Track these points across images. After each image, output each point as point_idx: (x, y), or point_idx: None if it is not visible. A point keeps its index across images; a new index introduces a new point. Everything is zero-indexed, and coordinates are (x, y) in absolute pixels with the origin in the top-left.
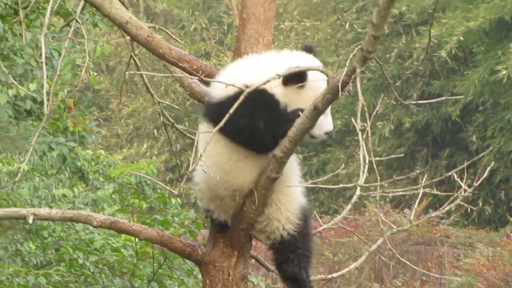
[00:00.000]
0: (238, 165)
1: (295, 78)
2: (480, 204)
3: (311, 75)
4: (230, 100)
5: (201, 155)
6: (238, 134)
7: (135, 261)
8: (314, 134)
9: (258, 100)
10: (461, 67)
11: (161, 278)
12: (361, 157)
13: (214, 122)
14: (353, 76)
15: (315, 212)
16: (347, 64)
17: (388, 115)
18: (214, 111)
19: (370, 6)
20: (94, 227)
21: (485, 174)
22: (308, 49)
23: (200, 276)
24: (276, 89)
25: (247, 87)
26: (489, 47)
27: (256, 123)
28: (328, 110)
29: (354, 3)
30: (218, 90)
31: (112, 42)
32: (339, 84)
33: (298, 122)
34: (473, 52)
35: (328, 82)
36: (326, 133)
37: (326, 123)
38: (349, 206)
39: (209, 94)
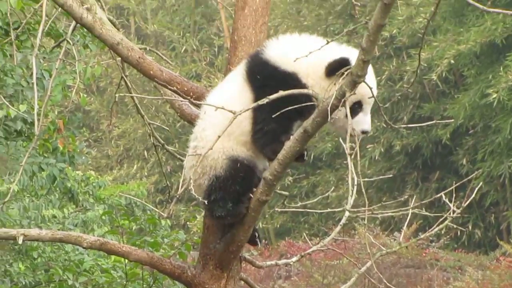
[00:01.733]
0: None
1: (342, 67)
2: (470, 228)
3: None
4: (280, 81)
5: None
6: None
7: (125, 283)
8: (355, 134)
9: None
10: (451, 90)
11: None
12: (349, 180)
13: (255, 87)
14: (342, 100)
15: (304, 234)
16: (336, 88)
17: (379, 138)
18: (262, 78)
19: (360, 29)
20: (84, 248)
21: (473, 195)
22: None
23: None
24: (315, 82)
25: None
26: (479, 70)
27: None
28: (368, 110)
29: (345, 26)
30: (284, 57)
31: (102, 63)
32: (329, 108)
33: (288, 145)
34: (463, 75)
35: (318, 106)
36: (363, 132)
37: (364, 122)
38: (338, 228)
39: (271, 53)
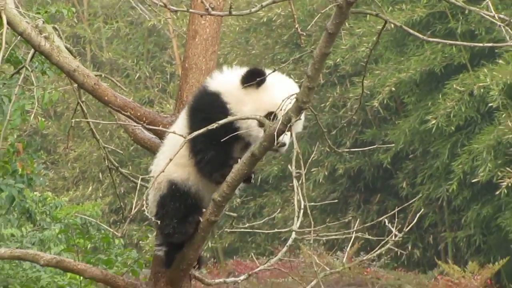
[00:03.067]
0: None
1: (256, 77)
2: (409, 248)
3: (268, 77)
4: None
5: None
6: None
7: None
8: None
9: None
10: (392, 117)
11: None
12: (295, 203)
13: (189, 117)
14: (288, 125)
15: (252, 253)
16: (282, 114)
17: (323, 162)
18: (195, 105)
19: (306, 58)
20: (41, 265)
21: (415, 220)
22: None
23: None
24: (233, 93)
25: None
26: (419, 97)
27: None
28: (288, 133)
29: (291, 54)
30: (212, 81)
31: (60, 89)
32: (275, 133)
33: (236, 168)
34: (404, 102)
35: (265, 130)
36: (279, 145)
37: (282, 138)
38: (284, 249)
39: (207, 83)
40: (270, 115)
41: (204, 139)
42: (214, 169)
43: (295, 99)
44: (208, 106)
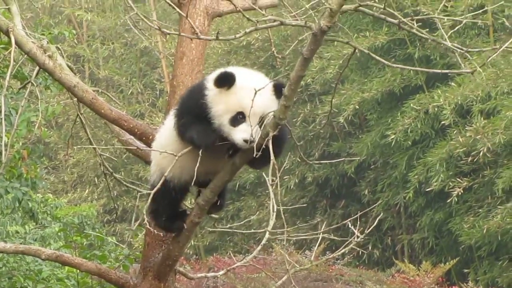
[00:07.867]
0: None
1: (226, 80)
2: (370, 248)
3: (238, 81)
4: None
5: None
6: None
7: None
8: (237, 141)
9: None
10: (356, 131)
11: None
12: (270, 206)
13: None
14: (266, 139)
15: (230, 251)
16: (261, 128)
17: (294, 171)
18: (181, 100)
19: (281, 78)
20: (42, 259)
21: (374, 224)
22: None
23: None
24: (210, 92)
25: None
26: (380, 114)
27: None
28: (252, 122)
29: (267, 75)
30: (205, 79)
31: (61, 103)
32: (255, 146)
33: (219, 175)
34: (367, 119)
35: (245, 145)
36: (245, 141)
37: (244, 131)
38: (259, 247)
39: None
40: (239, 115)
41: (188, 121)
42: (204, 139)
43: (272, 116)
44: (190, 98)
